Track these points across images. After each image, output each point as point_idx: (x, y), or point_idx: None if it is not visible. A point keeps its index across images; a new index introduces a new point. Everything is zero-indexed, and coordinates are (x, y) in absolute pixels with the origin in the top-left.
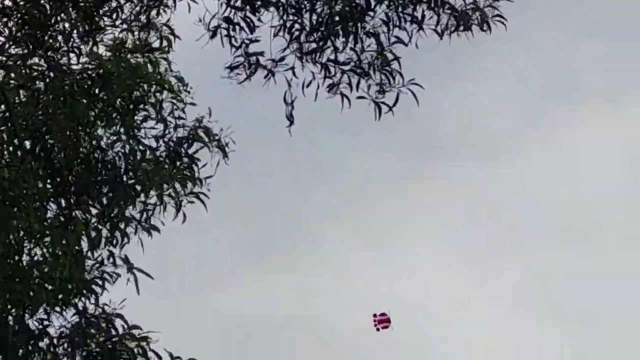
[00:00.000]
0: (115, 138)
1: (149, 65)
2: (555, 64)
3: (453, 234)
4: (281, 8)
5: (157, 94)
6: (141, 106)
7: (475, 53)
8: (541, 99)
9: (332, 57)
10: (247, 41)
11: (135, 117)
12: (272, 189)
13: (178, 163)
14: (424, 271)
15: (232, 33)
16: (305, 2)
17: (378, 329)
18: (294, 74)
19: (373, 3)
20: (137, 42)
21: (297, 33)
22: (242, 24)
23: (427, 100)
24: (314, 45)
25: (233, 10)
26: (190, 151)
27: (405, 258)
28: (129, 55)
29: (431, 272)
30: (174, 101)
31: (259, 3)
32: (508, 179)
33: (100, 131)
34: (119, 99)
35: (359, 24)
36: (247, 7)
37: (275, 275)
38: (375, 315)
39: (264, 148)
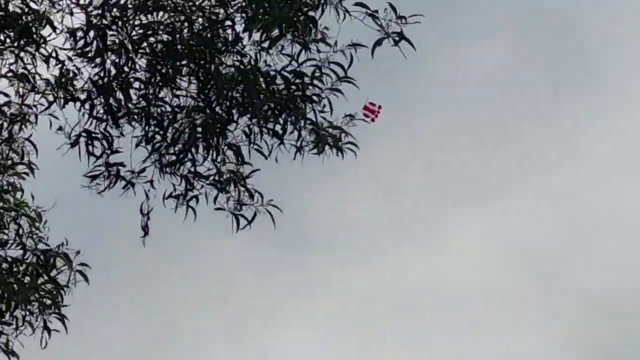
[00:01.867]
0: None
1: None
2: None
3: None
4: (143, 119)
5: (16, 219)
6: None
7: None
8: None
9: (192, 169)
10: (107, 152)
11: None
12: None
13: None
14: None
15: (92, 143)
16: (167, 114)
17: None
18: (152, 185)
19: (235, 115)
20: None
21: (158, 145)
22: (101, 136)
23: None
24: (174, 157)
25: (94, 121)
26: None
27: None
28: None
29: None
30: (32, 229)
31: (121, 114)
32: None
33: None
34: None
35: (219, 137)
36: (109, 118)
37: None
38: None
39: (120, 259)
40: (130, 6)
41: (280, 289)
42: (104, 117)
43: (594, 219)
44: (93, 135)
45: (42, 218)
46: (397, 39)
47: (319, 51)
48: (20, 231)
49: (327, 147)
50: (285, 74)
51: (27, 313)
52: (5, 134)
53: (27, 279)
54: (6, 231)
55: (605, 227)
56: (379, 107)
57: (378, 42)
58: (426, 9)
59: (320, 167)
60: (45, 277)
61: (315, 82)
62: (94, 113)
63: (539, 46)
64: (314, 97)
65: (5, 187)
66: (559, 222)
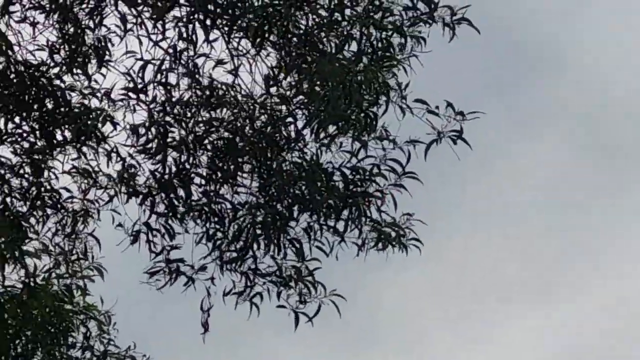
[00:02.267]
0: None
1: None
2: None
3: None
4: (204, 216)
5: (85, 322)
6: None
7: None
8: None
9: (253, 266)
10: (168, 247)
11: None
12: None
13: None
14: None
15: (152, 239)
16: (229, 211)
17: None
18: (212, 282)
19: (296, 213)
20: (66, 263)
21: (219, 242)
22: (163, 230)
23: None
24: (235, 254)
25: (155, 217)
26: None
27: None
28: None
29: None
30: (100, 330)
31: (182, 210)
32: None
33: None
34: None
35: (280, 234)
36: (170, 213)
37: None
38: None
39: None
40: (193, 102)
41: None
42: (165, 212)
43: None
44: (153, 230)
45: (110, 321)
46: (454, 137)
47: (383, 148)
48: (88, 334)
49: (390, 244)
50: (345, 170)
51: None
52: (68, 229)
53: None
54: (74, 334)
55: None
56: None
57: (431, 143)
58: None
59: (382, 265)
60: None
61: (376, 178)
62: (155, 209)
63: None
64: (376, 194)
65: (74, 289)
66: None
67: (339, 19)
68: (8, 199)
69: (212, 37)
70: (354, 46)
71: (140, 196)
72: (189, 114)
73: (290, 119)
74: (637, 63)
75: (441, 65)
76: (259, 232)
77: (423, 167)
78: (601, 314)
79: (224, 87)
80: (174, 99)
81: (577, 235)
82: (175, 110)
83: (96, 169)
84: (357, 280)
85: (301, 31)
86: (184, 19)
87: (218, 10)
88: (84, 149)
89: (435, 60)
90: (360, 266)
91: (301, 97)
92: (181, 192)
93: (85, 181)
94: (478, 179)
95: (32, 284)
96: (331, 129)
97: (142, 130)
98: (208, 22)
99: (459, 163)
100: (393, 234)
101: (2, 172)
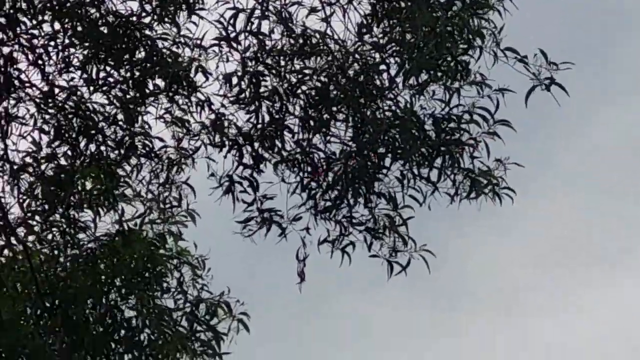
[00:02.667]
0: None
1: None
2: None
3: None
4: (296, 166)
5: (178, 267)
6: (162, 279)
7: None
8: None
9: (348, 214)
10: (261, 198)
11: (156, 288)
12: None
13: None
14: None
15: (244, 190)
16: (322, 161)
17: None
18: (307, 232)
19: (388, 161)
20: (159, 209)
21: (313, 191)
22: (253, 181)
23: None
24: (329, 203)
25: (243, 168)
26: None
27: None
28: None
29: None
30: (194, 276)
31: (275, 161)
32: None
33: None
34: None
35: (373, 182)
36: (259, 164)
37: None
38: None
39: (277, 310)
40: (286, 52)
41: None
42: (253, 165)
43: None
44: (245, 180)
45: (204, 266)
46: (548, 83)
47: (479, 92)
48: (182, 279)
49: (483, 192)
50: (439, 116)
51: None
52: (162, 178)
53: (182, 329)
54: (168, 279)
55: None
56: None
57: (531, 90)
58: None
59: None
60: (204, 326)
61: (469, 126)
62: (248, 159)
63: None
64: (469, 142)
65: (167, 235)
66: None
67: None
68: (102, 148)
69: None
70: None
71: (234, 145)
72: (282, 63)
73: (382, 67)
74: None
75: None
76: (352, 181)
77: (513, 115)
78: None
79: (317, 35)
80: (266, 48)
81: None
82: (268, 60)
83: (189, 118)
84: (449, 231)
85: None
86: None
87: None
88: (176, 98)
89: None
90: (453, 215)
91: (393, 45)
92: (274, 142)
93: (179, 130)
94: (572, 131)
95: (125, 230)
96: (423, 76)
97: (234, 80)
98: None
99: (548, 115)
100: (486, 182)
101: (96, 120)
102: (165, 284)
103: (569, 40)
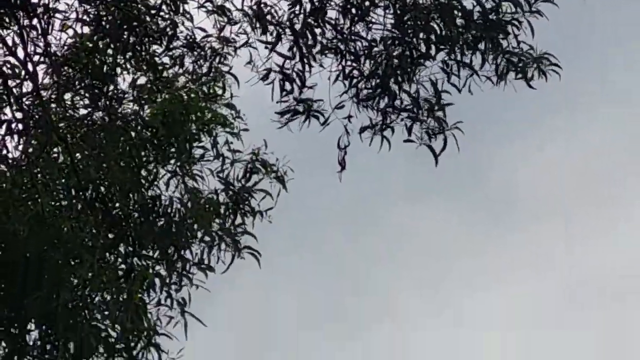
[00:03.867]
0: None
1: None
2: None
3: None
4: (339, 55)
5: (213, 130)
6: (197, 143)
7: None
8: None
9: (390, 102)
10: (302, 88)
11: (193, 153)
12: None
13: (236, 198)
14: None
15: (286, 78)
16: (364, 49)
17: None
18: (349, 120)
19: (432, 49)
20: (201, 91)
21: (355, 80)
22: (296, 72)
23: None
24: (371, 90)
25: (290, 55)
26: (248, 185)
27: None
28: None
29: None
30: (229, 133)
31: (317, 49)
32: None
33: (156, 170)
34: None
35: (415, 70)
36: (305, 53)
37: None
38: None
39: (318, 193)
40: None
41: (479, 246)
42: (300, 52)
43: None
44: (289, 70)
45: (235, 109)
46: None
47: None
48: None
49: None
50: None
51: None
52: (205, 68)
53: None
54: (204, 142)
55: None
56: None
57: None
58: None
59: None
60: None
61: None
62: (290, 48)
63: None
64: (514, 22)
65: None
66: None
67: None
68: (145, 39)
69: None
70: None
71: (276, 33)
72: None
73: None
74: None
75: None
76: (394, 68)
77: None
78: None
79: None
80: None
81: None
82: None
83: (230, 6)
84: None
85: None
86: None
87: None
88: None
89: None
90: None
91: None
92: (316, 31)
93: (220, 19)
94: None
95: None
96: None
97: None
98: None
99: None
100: (530, 60)
101: (138, 12)
102: (200, 149)
103: None
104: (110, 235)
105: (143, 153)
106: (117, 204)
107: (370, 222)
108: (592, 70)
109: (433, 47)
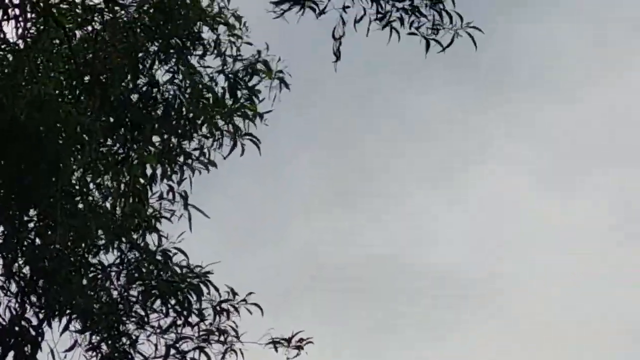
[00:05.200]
0: (172, 74)
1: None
2: None
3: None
4: None
5: (215, 29)
6: (198, 42)
7: None
8: None
9: None
10: None
11: (194, 53)
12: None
13: (238, 95)
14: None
15: None
16: None
17: None
18: (344, 9)
19: None
20: None
21: None
22: None
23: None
24: None
25: None
26: (249, 84)
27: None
28: None
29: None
30: (231, 38)
31: None
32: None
33: (156, 67)
34: (176, 37)
35: None
36: None
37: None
38: None
39: (319, 83)
40: None
41: (481, 128)
42: None
43: None
44: None
45: (241, 21)
46: None
47: None
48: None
49: None
50: None
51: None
52: None
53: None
54: (205, 40)
55: None
56: None
57: None
58: None
59: None
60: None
61: None
62: None
63: None
64: None
65: None
66: None
67: None
68: None
69: None
70: None
71: None
72: None
73: None
74: None
75: None
76: None
77: None
78: None
79: None
80: None
81: None
82: None
83: None
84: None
85: None
86: None
87: None
88: None
89: None
90: None
91: None
92: None
93: None
94: None
95: None
96: None
97: None
98: None
99: None
100: None
101: None
102: (202, 47)
103: None
104: (110, 120)
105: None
106: (116, 90)
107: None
108: None
109: None
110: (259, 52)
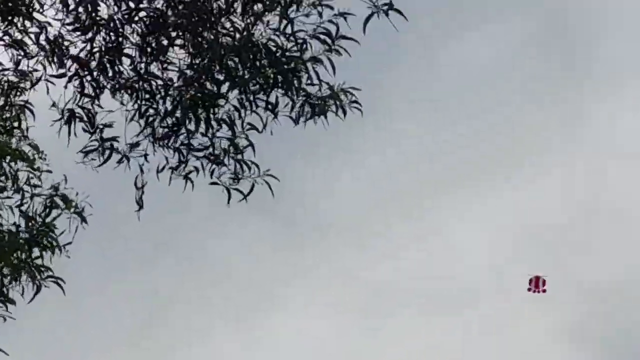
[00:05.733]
0: None
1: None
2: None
3: None
4: (135, 94)
5: (12, 164)
6: None
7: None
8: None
9: (186, 141)
10: (100, 126)
11: None
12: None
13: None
14: None
15: (87, 118)
16: (160, 88)
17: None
18: (145, 159)
19: (226, 88)
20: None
21: (151, 118)
22: (93, 111)
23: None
24: (167, 130)
25: (86, 95)
26: (47, 220)
27: None
28: None
29: None
30: (30, 170)
31: (113, 88)
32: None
33: None
34: None
35: (211, 110)
36: (96, 94)
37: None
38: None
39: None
40: None
41: (277, 270)
42: (96, 91)
43: None
44: (84, 109)
45: (38, 149)
46: (386, 9)
47: (320, 14)
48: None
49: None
50: (277, 40)
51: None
52: (1, 101)
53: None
54: (2, 178)
55: None
56: (544, 282)
57: (369, 18)
58: None
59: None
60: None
61: (311, 47)
62: (85, 87)
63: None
64: (306, 65)
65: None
66: None
67: None
68: None
69: None
70: None
71: (71, 75)
72: None
73: None
74: None
75: None
76: (190, 108)
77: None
78: None
79: None
80: None
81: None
82: None
83: (27, 40)
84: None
85: None
86: None
87: None
88: (15, 19)
89: None
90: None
91: None
92: (112, 69)
93: (17, 52)
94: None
95: None
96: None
97: (71, 5)
98: None
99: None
100: (331, 101)
101: None
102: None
103: None
104: None
105: None
106: None
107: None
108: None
109: (228, 86)
110: (57, 185)
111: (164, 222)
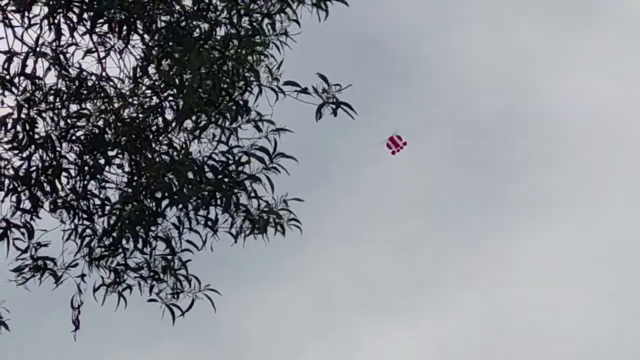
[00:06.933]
0: None
1: None
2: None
3: None
4: (72, 212)
5: None
6: None
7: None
8: None
9: (123, 261)
10: (35, 245)
11: None
12: None
13: None
14: None
15: (18, 236)
16: (97, 207)
17: None
18: (82, 279)
19: (163, 206)
20: None
21: (88, 238)
22: (28, 227)
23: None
24: (104, 249)
25: (21, 213)
26: None
27: None
28: None
29: None
30: None
31: (48, 207)
32: None
33: None
34: None
35: (149, 228)
36: (34, 211)
37: None
38: None
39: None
40: (61, 94)
41: None
42: (30, 210)
43: None
44: (19, 228)
45: None
46: (334, 107)
47: (259, 129)
48: None
49: (264, 230)
50: (217, 157)
51: None
52: None
53: None
54: None
55: None
56: (404, 143)
57: (318, 110)
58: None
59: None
60: None
61: (247, 164)
62: (21, 205)
63: None
64: (248, 180)
65: None
66: None
67: (205, 7)
68: None
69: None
70: (223, 33)
71: (7, 191)
72: (57, 106)
73: (159, 110)
74: None
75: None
76: (127, 227)
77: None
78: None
79: (93, 77)
80: (42, 91)
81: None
82: (43, 104)
83: None
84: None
85: (167, 22)
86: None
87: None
88: None
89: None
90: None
91: (170, 87)
92: (48, 188)
93: None
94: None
95: None
96: (201, 118)
97: (9, 124)
98: (73, 16)
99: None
100: (270, 218)
101: None
102: None
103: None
104: None
105: None
106: None
107: None
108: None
109: (166, 204)
110: None
111: (101, 345)
